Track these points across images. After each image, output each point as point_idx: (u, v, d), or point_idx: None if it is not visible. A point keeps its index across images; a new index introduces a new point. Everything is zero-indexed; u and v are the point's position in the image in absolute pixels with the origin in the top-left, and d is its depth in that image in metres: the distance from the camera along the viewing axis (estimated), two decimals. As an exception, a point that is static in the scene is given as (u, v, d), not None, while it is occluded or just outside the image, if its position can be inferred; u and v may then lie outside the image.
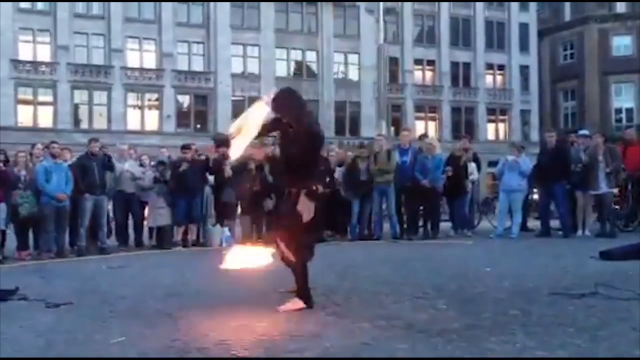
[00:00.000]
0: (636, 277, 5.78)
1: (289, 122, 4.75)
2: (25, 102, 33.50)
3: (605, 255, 7.41)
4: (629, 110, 40.97)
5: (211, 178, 11.72)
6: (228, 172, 11.54)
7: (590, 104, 40.93)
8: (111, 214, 11.45)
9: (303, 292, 4.66)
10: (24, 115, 33.29)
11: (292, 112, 4.76)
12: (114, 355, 3.39)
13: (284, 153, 4.90)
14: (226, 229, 11.52)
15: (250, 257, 5.09)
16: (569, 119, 42.68)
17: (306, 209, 4.62)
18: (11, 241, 10.13)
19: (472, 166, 12.92)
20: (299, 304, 4.62)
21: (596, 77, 41.11)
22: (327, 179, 11.65)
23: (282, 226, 4.79)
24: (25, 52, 33.65)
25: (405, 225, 12.14)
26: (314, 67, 38.82)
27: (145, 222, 11.74)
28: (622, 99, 41.29)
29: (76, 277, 7.09)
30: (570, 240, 10.76)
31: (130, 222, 11.68)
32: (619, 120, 40.01)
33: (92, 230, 10.50)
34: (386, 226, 12.25)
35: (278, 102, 4.79)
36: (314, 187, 4.67)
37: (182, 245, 11.12)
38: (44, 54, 34.09)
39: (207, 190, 11.69)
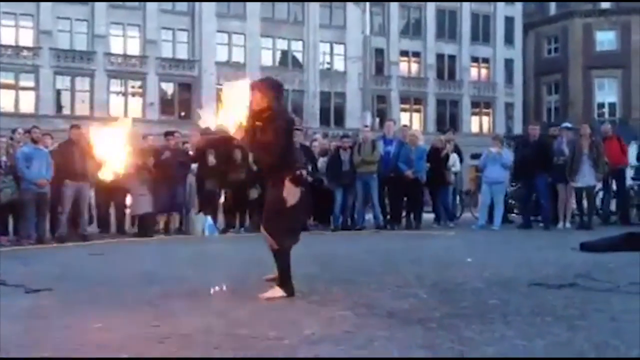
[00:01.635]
0: (616, 269, 5.85)
1: (262, 109, 4.77)
2: (7, 87, 33.10)
3: (586, 247, 7.48)
4: (612, 105, 41.32)
5: (194, 166, 11.68)
6: (211, 160, 11.51)
7: (573, 98, 41.22)
8: (92, 201, 11.37)
9: (284, 280, 4.67)
10: (6, 100, 32.89)
11: (271, 99, 4.82)
12: (93, 341, 3.37)
13: (260, 141, 4.88)
14: (209, 218, 11.49)
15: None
16: (552, 113, 42.96)
17: (291, 194, 4.66)
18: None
19: (454, 158, 12.97)
20: (279, 292, 4.62)
21: (580, 71, 41.39)
22: (310, 169, 11.67)
23: (267, 214, 4.79)
24: (7, 37, 33.21)
25: (388, 216, 12.18)
26: (299, 57, 38.71)
27: (127, 210, 11.67)
28: (605, 93, 41.62)
29: (56, 264, 7.04)
30: (551, 232, 10.86)
31: (112, 209, 11.62)
32: (601, 115, 40.31)
33: (74, 217, 10.41)
34: (369, 216, 12.28)
35: (262, 86, 4.92)
36: (298, 172, 4.74)
37: (164, 233, 11.08)
38: (27, 38, 33.69)
39: (190, 178, 11.65)
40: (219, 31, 36.38)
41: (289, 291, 4.64)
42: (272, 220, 4.72)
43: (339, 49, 39.09)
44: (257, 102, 4.81)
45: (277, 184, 4.71)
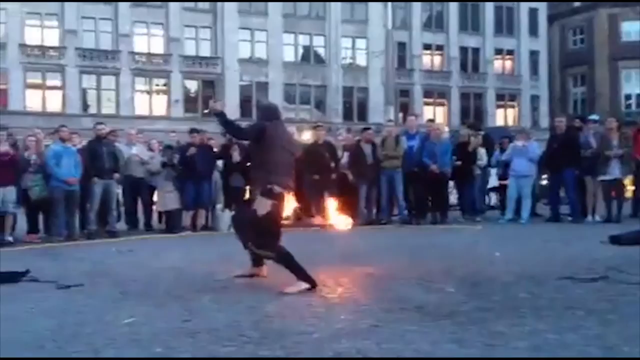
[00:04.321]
0: (646, 262, 5.77)
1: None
2: (34, 87, 33.54)
3: (615, 240, 7.38)
4: (639, 96, 40.67)
5: (220, 163, 11.75)
6: (236, 157, 11.56)
7: (600, 90, 40.66)
8: (120, 198, 11.49)
9: (301, 276, 4.73)
10: (33, 100, 33.34)
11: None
12: (125, 335, 3.41)
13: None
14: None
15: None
16: (578, 105, 42.42)
17: (261, 205, 4.97)
18: (22, 224, 10.20)
19: (481, 152, 12.87)
20: (302, 285, 4.68)
21: (606, 62, 40.78)
22: (333, 165, 11.66)
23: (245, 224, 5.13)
24: (33, 37, 33.62)
25: (413, 211, 12.13)
26: (321, 52, 38.66)
27: (154, 207, 11.77)
28: (632, 84, 40.94)
29: (86, 260, 7.13)
30: (579, 226, 10.73)
31: (140, 206, 11.74)
32: (628, 106, 39.72)
33: (102, 214, 10.54)
34: (394, 211, 12.24)
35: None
36: (269, 187, 5.02)
37: (191, 230, 11.16)
38: (52, 38, 34.07)
39: (216, 175, 11.73)
40: (241, 28, 36.45)
41: (312, 283, 4.69)
42: (252, 231, 5.01)
43: (361, 43, 38.93)
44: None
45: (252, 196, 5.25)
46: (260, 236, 4.94)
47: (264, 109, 5.85)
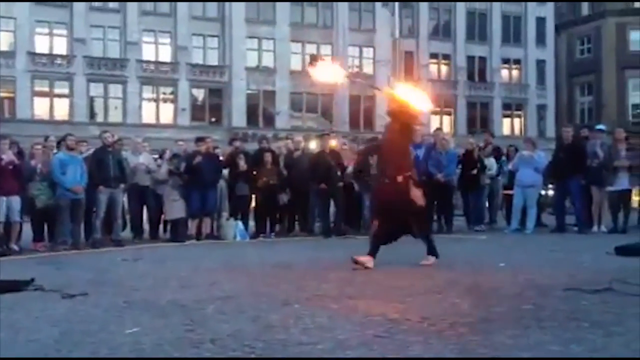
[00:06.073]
0: (652, 273, 5.73)
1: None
2: (42, 95, 33.74)
3: (621, 251, 7.35)
4: (646, 106, 40.55)
5: (225, 171, 11.78)
6: (242, 165, 11.59)
7: (607, 99, 40.56)
8: (126, 207, 11.52)
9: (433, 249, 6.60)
10: (41, 108, 33.54)
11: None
12: (128, 345, 3.41)
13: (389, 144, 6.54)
14: (240, 223, 11.56)
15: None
16: (585, 114, 42.34)
17: (417, 196, 6.22)
18: (27, 233, 10.23)
19: (490, 161, 12.85)
20: (431, 259, 6.53)
21: (613, 72, 40.71)
22: (339, 174, 11.66)
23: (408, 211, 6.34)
24: (41, 45, 33.88)
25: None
26: (328, 61, 38.67)
27: (162, 215, 11.77)
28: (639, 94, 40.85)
29: (91, 269, 7.14)
30: (585, 236, 10.70)
31: (145, 215, 11.76)
32: (636, 116, 39.60)
33: (107, 222, 10.56)
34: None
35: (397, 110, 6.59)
36: (416, 178, 6.43)
37: (197, 238, 11.17)
38: (61, 46, 34.31)
39: (222, 183, 11.75)
40: (248, 37, 36.61)
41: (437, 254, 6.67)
42: (417, 218, 6.59)
43: (368, 52, 39.01)
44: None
45: (401, 186, 6.34)
46: (425, 221, 6.53)
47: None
